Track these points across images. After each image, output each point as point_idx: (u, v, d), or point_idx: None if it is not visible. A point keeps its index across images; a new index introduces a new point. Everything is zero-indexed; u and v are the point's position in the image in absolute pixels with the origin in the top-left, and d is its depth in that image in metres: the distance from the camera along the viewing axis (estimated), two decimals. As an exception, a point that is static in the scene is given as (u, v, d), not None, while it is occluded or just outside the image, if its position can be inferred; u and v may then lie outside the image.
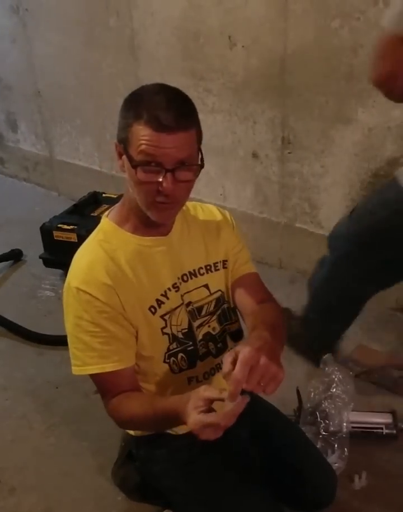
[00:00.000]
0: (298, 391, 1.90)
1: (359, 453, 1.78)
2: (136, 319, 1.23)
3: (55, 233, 2.66)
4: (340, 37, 2.06)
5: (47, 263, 2.76)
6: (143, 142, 1.07)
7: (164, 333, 1.28)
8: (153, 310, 1.26)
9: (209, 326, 1.35)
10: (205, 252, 1.34)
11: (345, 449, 1.75)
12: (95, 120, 3.19)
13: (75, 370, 1.24)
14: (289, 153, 2.42)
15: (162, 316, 1.27)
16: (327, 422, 1.79)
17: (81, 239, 2.54)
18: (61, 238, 2.65)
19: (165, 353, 1.30)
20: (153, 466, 1.40)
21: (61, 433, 1.93)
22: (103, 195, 2.90)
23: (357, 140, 2.21)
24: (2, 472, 1.82)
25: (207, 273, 1.33)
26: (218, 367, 1.38)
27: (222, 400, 0.99)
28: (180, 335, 1.30)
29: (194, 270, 1.32)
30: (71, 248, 2.72)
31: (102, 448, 1.84)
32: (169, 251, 1.28)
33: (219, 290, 1.36)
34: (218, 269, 1.35)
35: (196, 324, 1.33)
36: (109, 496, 1.69)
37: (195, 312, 1.33)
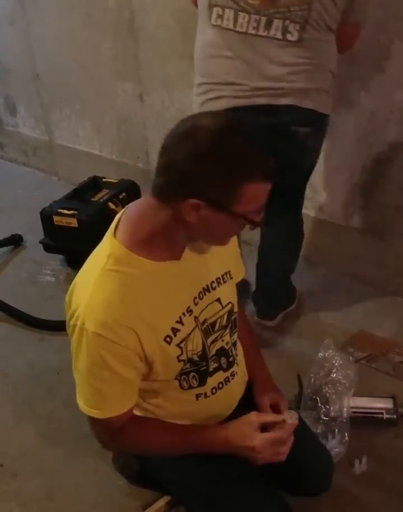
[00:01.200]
0: (299, 377, 1.91)
1: (359, 438, 1.79)
2: (152, 353, 1.15)
3: (55, 218, 2.64)
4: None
5: (48, 248, 2.74)
6: (260, 195, 1.06)
7: (180, 360, 1.22)
8: (168, 340, 1.18)
9: (222, 340, 1.32)
10: (214, 264, 1.28)
11: (346, 434, 1.76)
12: (95, 104, 3.16)
13: (83, 409, 1.19)
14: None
15: (177, 345, 1.20)
16: (328, 407, 1.80)
17: (82, 224, 2.58)
18: (61, 224, 2.63)
19: (178, 374, 1.25)
20: (152, 458, 1.39)
21: (62, 419, 1.94)
22: (103, 180, 2.88)
23: (359, 124, 2.19)
24: (4, 457, 1.83)
25: (218, 286, 1.28)
26: (226, 381, 1.35)
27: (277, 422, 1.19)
28: (196, 358, 1.25)
29: (207, 285, 1.25)
30: (71, 234, 2.74)
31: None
32: (184, 274, 1.20)
33: (230, 302, 1.32)
34: (226, 281, 1.30)
35: (209, 340, 1.28)
36: (110, 480, 1.70)
37: (209, 329, 1.27)
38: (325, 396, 1.81)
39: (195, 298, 1.22)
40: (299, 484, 1.43)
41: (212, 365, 1.30)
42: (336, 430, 1.77)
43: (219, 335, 1.30)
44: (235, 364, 1.38)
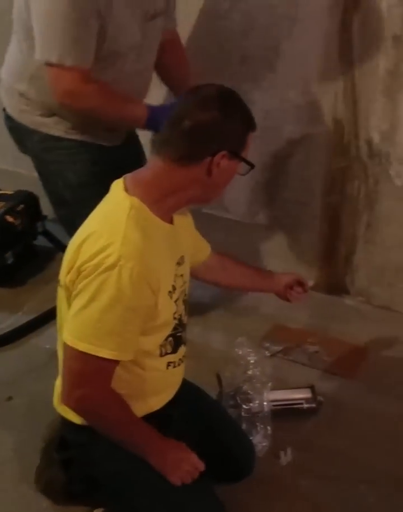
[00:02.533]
0: (218, 376, 1.92)
1: (282, 430, 1.82)
2: (162, 302, 1.25)
3: None
4: (231, 20, 2.07)
5: None
6: (250, 143, 1.29)
7: (174, 318, 1.34)
8: (170, 294, 1.30)
9: (186, 314, 1.42)
10: (184, 244, 1.39)
11: (268, 428, 1.78)
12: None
13: (87, 348, 1.18)
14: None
15: (175, 301, 1.32)
16: (248, 403, 1.81)
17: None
18: None
19: (164, 338, 1.34)
20: (95, 450, 1.38)
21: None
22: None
23: (256, 123, 2.23)
24: None
25: (183, 262, 1.38)
26: (184, 356, 1.45)
27: None
28: (178, 321, 1.36)
29: (179, 259, 1.35)
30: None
31: (21, 456, 1.76)
32: (175, 240, 1.33)
33: (187, 281, 1.42)
34: (185, 262, 1.39)
35: (184, 310, 1.40)
36: (33, 504, 1.62)
37: (184, 300, 1.40)
38: (245, 393, 1.83)
39: (177, 263, 1.34)
40: (222, 468, 1.50)
41: (184, 335, 1.42)
42: (259, 425, 1.78)
43: (185, 308, 1.41)
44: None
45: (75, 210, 1.76)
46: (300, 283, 1.72)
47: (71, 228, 1.38)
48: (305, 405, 1.89)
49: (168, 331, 1.34)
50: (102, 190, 1.33)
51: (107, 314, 1.17)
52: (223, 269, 1.66)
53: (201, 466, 1.33)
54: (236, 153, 1.25)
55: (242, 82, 2.16)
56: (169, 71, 1.97)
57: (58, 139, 1.85)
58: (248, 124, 1.27)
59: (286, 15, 1.99)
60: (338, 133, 2.13)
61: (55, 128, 1.84)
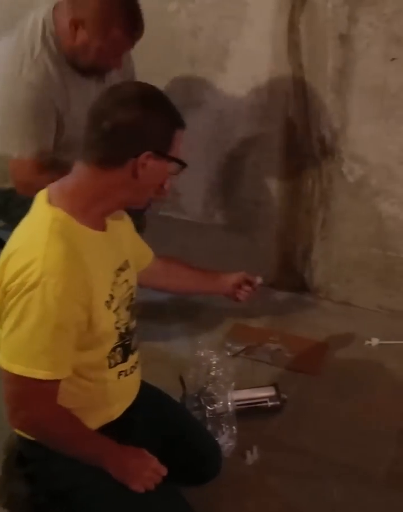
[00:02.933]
0: (181, 379, 1.90)
1: (247, 429, 1.82)
2: (97, 315, 1.20)
3: None
4: (178, 20, 2.07)
5: None
6: (181, 140, 1.21)
7: (116, 328, 1.29)
8: (107, 304, 1.24)
9: (132, 320, 1.38)
10: (122, 248, 1.35)
11: (234, 428, 1.78)
12: None
13: (22, 370, 1.13)
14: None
15: (114, 311, 1.27)
16: (213, 404, 1.81)
17: None
18: None
19: (110, 349, 1.30)
20: (54, 465, 1.34)
21: None
22: None
23: (208, 124, 2.24)
24: None
25: (126, 268, 1.34)
26: (137, 362, 1.42)
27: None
28: (123, 330, 1.32)
29: (121, 265, 1.32)
30: None
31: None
32: (110, 246, 1.28)
33: (132, 286, 1.38)
34: (129, 266, 1.36)
35: (128, 317, 1.35)
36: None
37: (128, 307, 1.35)
38: (208, 395, 1.82)
39: (116, 273, 1.29)
40: (189, 470, 1.49)
41: (133, 342, 1.37)
42: (225, 425, 1.78)
43: (131, 315, 1.36)
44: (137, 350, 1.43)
45: None
46: (248, 282, 1.73)
47: None
48: (270, 403, 1.90)
49: (113, 342, 1.30)
50: None
51: (37, 334, 1.13)
52: (168, 274, 1.63)
53: (163, 470, 1.31)
54: (162, 153, 1.18)
55: (193, 82, 2.17)
56: None
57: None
58: (173, 121, 1.20)
59: (234, 15, 2.00)
60: (291, 132, 2.16)
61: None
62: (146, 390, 1.50)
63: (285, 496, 1.66)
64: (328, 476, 1.70)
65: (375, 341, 2.20)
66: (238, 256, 2.48)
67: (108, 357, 1.30)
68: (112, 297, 1.25)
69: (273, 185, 2.31)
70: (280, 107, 2.12)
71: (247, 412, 1.86)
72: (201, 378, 1.87)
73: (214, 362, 1.88)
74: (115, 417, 1.38)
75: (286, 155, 2.22)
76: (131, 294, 1.37)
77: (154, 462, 1.30)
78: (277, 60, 2.02)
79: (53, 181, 1.44)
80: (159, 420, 1.50)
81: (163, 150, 1.18)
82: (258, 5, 1.96)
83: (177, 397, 1.86)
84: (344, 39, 1.90)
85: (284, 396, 1.92)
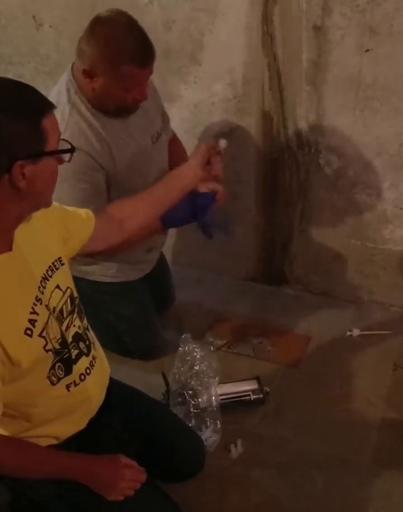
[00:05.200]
0: (163, 375, 1.90)
1: (231, 423, 1.83)
2: (16, 351, 1.10)
3: None
4: (151, 13, 2.04)
5: None
6: (54, 123, 1.09)
7: (47, 351, 1.19)
8: (29, 332, 1.14)
9: (74, 325, 1.29)
10: (43, 253, 1.24)
11: (218, 422, 1.79)
12: None
13: None
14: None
15: (39, 335, 1.16)
16: (196, 399, 1.82)
17: None
18: None
19: (48, 370, 1.21)
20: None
21: None
22: None
23: (185, 117, 2.22)
24: None
25: (53, 273, 1.24)
26: (91, 365, 1.33)
27: None
28: (57, 346, 1.22)
29: (44, 274, 1.22)
30: None
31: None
32: (22, 264, 1.16)
33: (68, 287, 1.29)
34: (58, 268, 1.27)
35: (64, 327, 1.25)
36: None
37: (60, 316, 1.25)
38: (192, 390, 1.83)
39: (39, 287, 1.19)
40: (174, 467, 1.49)
41: (74, 352, 1.28)
42: (208, 420, 1.79)
43: (70, 320, 1.28)
44: (93, 349, 1.36)
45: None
46: (213, 151, 1.62)
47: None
48: (253, 397, 1.91)
49: (48, 363, 1.21)
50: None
51: None
52: (120, 221, 1.46)
53: (142, 476, 1.29)
54: (37, 154, 1.05)
55: (167, 75, 2.15)
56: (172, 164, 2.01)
57: (103, 283, 1.96)
58: (33, 113, 1.04)
59: (207, 8, 1.98)
60: (268, 124, 2.15)
61: (100, 274, 1.95)
62: (122, 391, 1.48)
63: (270, 488, 1.67)
64: (312, 467, 1.72)
65: (356, 331, 2.22)
66: (217, 250, 2.48)
67: (48, 377, 1.22)
68: (33, 322, 1.15)
69: (251, 178, 2.30)
70: (255, 100, 2.11)
71: (231, 406, 1.88)
72: (185, 373, 1.88)
73: (198, 357, 1.89)
74: (83, 426, 1.33)
75: (263, 148, 2.21)
76: (70, 296, 1.29)
77: (130, 471, 1.27)
78: (251, 52, 2.01)
79: None
80: (138, 421, 1.47)
81: (37, 151, 1.05)
82: (231, -2, 1.94)
83: (160, 393, 1.86)
84: (318, 30, 1.89)
85: (266, 389, 1.93)
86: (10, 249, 1.13)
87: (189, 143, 2.26)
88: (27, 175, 1.04)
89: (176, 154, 2.06)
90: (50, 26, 2.24)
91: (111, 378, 1.45)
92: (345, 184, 2.17)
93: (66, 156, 1.12)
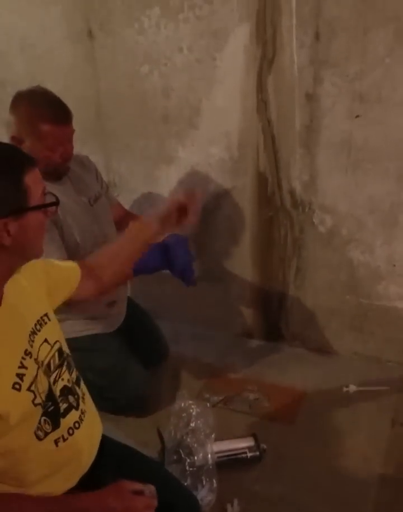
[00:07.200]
0: (159, 432, 1.90)
1: (227, 481, 1.81)
2: (4, 406, 1.09)
3: None
4: (151, 81, 2.15)
5: None
6: (37, 177, 1.12)
7: (35, 404, 1.17)
8: (17, 386, 1.12)
9: (62, 379, 1.29)
10: (31, 308, 1.26)
11: (214, 481, 1.77)
12: None
13: None
14: (117, 195, 2.44)
15: (28, 389, 1.15)
16: (192, 457, 1.80)
17: None
18: None
19: (36, 425, 1.19)
20: None
21: None
22: None
23: (182, 179, 2.30)
24: None
25: (41, 328, 1.25)
26: (81, 419, 1.31)
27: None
28: (44, 398, 1.21)
29: (33, 328, 1.23)
30: None
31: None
32: (11, 318, 1.17)
33: (57, 341, 1.30)
34: (46, 322, 1.28)
35: (52, 380, 1.25)
36: None
37: (48, 370, 1.25)
38: (188, 447, 1.81)
39: (29, 340, 1.20)
40: None
41: (63, 405, 1.27)
42: (204, 479, 1.77)
43: (58, 374, 1.27)
44: (82, 402, 1.35)
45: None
46: (187, 200, 1.60)
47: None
48: (249, 454, 1.89)
49: (36, 418, 1.19)
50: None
51: None
52: (101, 269, 1.53)
53: (154, 502, 1.24)
54: (21, 210, 1.07)
55: (166, 139, 2.24)
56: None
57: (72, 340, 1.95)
58: (14, 170, 1.06)
59: (205, 76, 2.08)
60: (263, 185, 2.22)
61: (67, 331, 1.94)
62: (116, 448, 1.46)
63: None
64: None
65: (352, 387, 2.22)
66: (214, 306, 2.51)
67: (35, 432, 1.19)
68: (21, 376, 1.14)
69: (247, 236, 2.36)
70: (251, 161, 2.18)
71: (227, 464, 1.86)
72: (181, 429, 1.87)
73: (194, 413, 1.89)
74: (74, 482, 1.31)
75: (258, 207, 2.27)
76: (58, 350, 1.29)
77: (140, 501, 1.23)
78: (247, 117, 2.10)
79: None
80: (132, 479, 1.38)
81: (21, 207, 1.07)
82: (228, 67, 2.04)
83: (155, 451, 1.85)
84: (310, 97, 1.98)
85: (263, 446, 1.91)
86: (0, 304, 1.14)
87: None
88: (12, 232, 1.06)
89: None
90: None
91: (104, 436, 1.44)
92: (339, 242, 2.22)
93: (50, 211, 1.15)
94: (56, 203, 1.15)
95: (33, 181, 1.09)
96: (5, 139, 2.00)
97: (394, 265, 2.18)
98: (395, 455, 1.92)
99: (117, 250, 1.58)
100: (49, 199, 1.15)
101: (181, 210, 1.61)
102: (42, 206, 1.12)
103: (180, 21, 2.03)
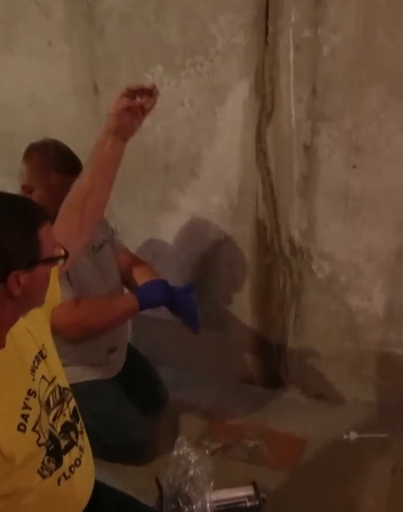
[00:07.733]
0: (157, 480, 1.88)
1: (226, 532, 1.79)
2: (10, 448, 1.09)
3: None
4: (153, 134, 2.22)
5: None
6: (49, 233, 1.13)
7: (40, 445, 1.18)
8: (22, 427, 1.12)
9: (64, 415, 1.29)
10: (28, 347, 1.26)
11: (212, 531, 1.75)
12: None
13: None
14: (120, 242, 2.47)
15: (33, 429, 1.15)
16: (191, 506, 1.78)
17: None
18: None
19: (40, 463, 1.20)
20: None
21: None
22: None
23: (183, 227, 2.35)
24: None
25: (39, 363, 1.25)
26: (81, 455, 1.31)
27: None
28: (47, 436, 1.21)
29: (32, 366, 1.23)
30: None
31: None
32: (13, 360, 1.18)
33: (55, 377, 1.30)
34: (45, 356, 1.28)
35: (51, 417, 1.24)
36: None
37: (47, 407, 1.24)
38: (186, 496, 1.79)
39: (31, 378, 1.20)
40: None
41: (64, 442, 1.26)
42: (203, 529, 1.75)
43: (59, 410, 1.27)
44: (81, 438, 1.34)
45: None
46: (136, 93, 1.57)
47: None
48: (249, 503, 1.87)
49: (40, 457, 1.19)
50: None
51: None
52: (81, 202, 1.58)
53: None
54: (33, 263, 1.09)
55: (167, 188, 2.29)
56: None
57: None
58: (30, 227, 1.09)
59: (206, 129, 2.15)
60: (262, 232, 2.26)
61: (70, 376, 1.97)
62: (112, 496, 1.45)
63: None
64: None
65: (353, 435, 2.21)
66: (212, 352, 2.51)
67: (38, 471, 1.19)
68: (25, 417, 1.14)
69: (246, 282, 2.38)
70: (250, 209, 2.23)
71: (226, 513, 1.84)
72: (179, 478, 1.85)
73: (193, 461, 1.87)
74: None
75: (257, 254, 2.31)
76: (57, 385, 1.29)
77: None
78: (246, 167, 2.16)
79: (89, 309, 1.64)
80: None
81: (32, 260, 1.09)
82: (228, 120, 2.11)
83: (153, 499, 1.84)
84: (308, 148, 2.05)
85: (262, 495, 1.89)
86: (3, 346, 1.15)
87: (186, 249, 2.37)
88: (22, 283, 1.08)
89: (139, 272, 2.19)
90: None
91: (101, 483, 1.43)
92: (337, 288, 2.24)
93: (60, 261, 1.18)
94: (66, 255, 1.18)
95: (46, 234, 1.11)
96: (11, 188, 2.06)
97: (393, 311, 2.20)
98: (397, 503, 1.90)
99: (92, 180, 1.60)
100: (58, 252, 1.18)
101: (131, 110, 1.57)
102: (53, 260, 1.15)
103: (182, 77, 2.11)
